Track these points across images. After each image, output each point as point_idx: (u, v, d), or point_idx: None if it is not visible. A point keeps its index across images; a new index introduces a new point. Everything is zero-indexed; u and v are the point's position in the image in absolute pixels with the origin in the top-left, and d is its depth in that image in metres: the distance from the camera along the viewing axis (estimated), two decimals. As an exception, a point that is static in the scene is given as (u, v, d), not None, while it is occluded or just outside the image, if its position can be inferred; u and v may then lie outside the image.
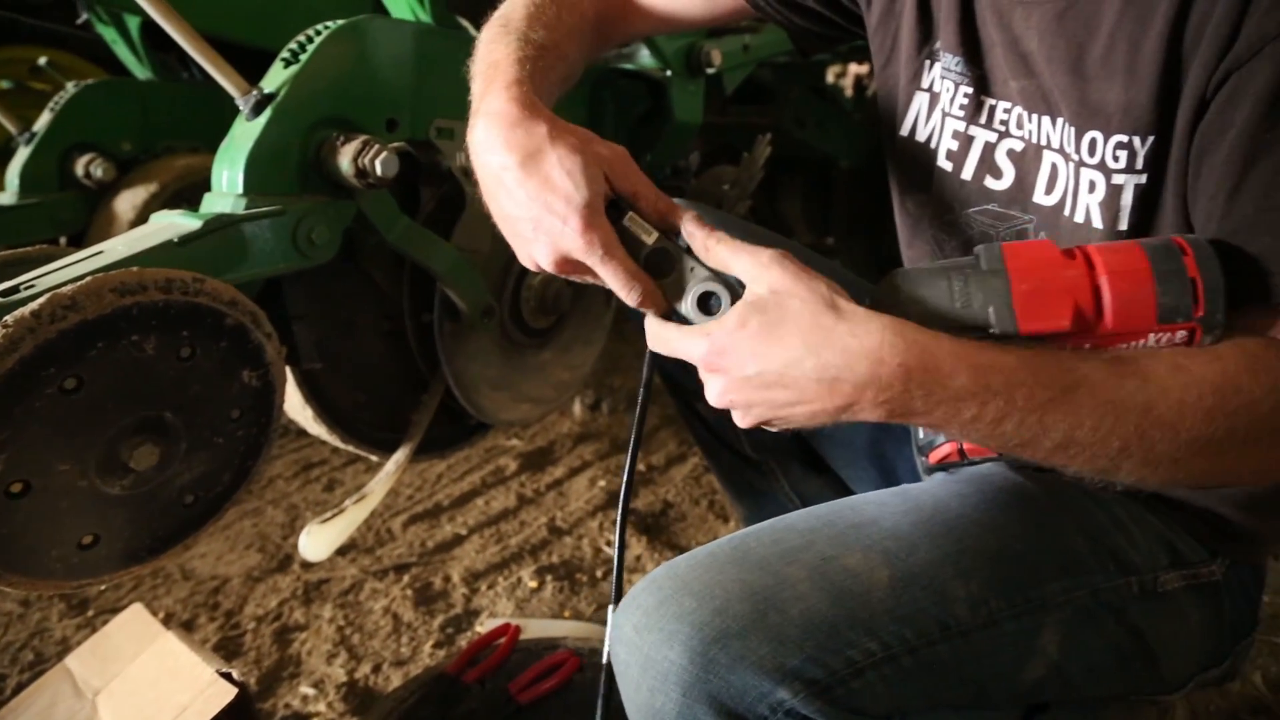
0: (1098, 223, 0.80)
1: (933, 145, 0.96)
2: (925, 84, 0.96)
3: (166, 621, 1.49)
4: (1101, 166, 0.78)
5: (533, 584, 1.73)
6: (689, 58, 1.58)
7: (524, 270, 1.36)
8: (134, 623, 1.29)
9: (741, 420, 0.71)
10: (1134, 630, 0.81)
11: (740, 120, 2.43)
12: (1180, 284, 0.65)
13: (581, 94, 1.55)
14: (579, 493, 2.09)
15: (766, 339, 0.66)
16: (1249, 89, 0.67)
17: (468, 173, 1.22)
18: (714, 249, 0.72)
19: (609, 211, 0.74)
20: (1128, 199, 0.78)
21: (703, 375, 0.71)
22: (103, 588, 1.69)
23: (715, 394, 0.70)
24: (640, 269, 0.74)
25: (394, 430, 1.36)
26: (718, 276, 0.72)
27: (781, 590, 0.69)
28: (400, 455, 1.33)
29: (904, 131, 0.99)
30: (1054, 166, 0.84)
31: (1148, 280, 0.66)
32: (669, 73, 1.55)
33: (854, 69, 3.14)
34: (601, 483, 2.12)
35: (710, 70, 1.62)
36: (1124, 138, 0.76)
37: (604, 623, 1.57)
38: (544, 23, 0.91)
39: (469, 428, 1.49)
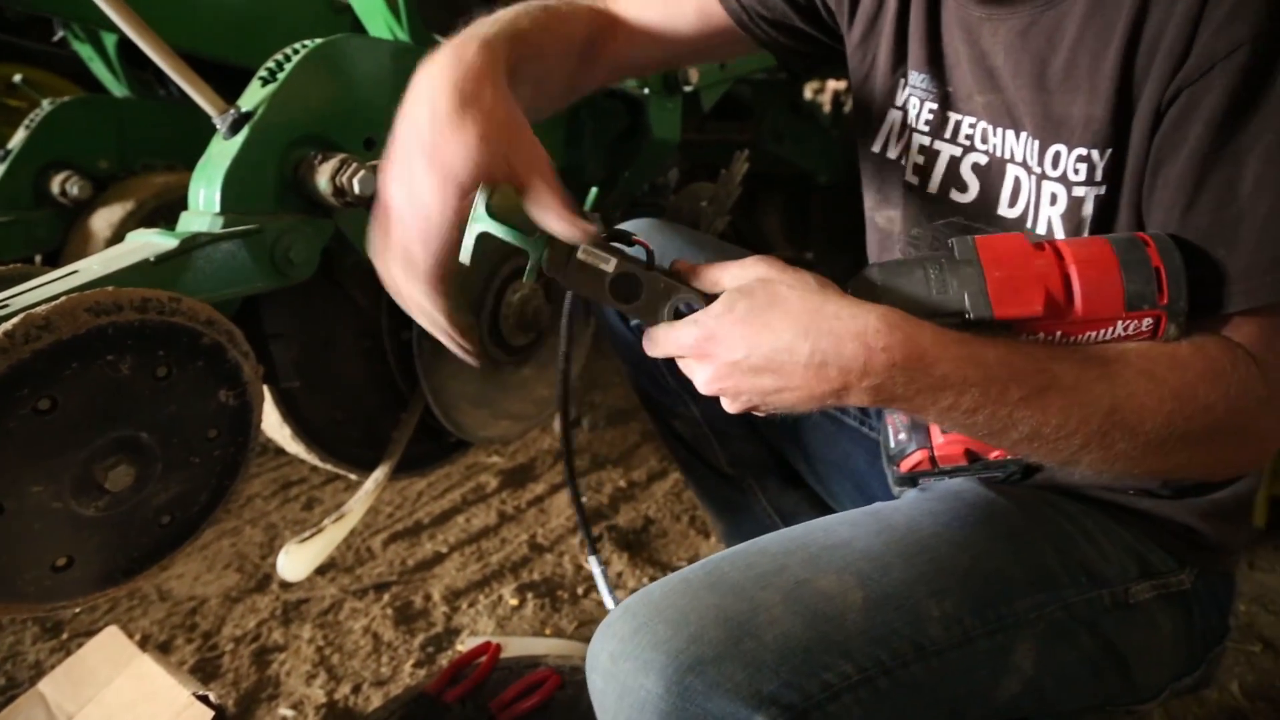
0: (1060, 234, 0.82)
1: (902, 161, 0.98)
2: (899, 102, 0.98)
3: (143, 643, 1.48)
4: (1063, 179, 0.80)
5: (514, 602, 1.72)
6: (666, 75, 1.59)
7: (503, 287, 1.36)
8: (109, 645, 1.27)
9: (730, 406, 0.73)
10: (1107, 642, 0.81)
11: (718, 137, 2.44)
12: (1145, 272, 0.69)
13: (560, 113, 1.55)
14: (560, 509, 2.08)
15: (755, 323, 0.67)
16: (1200, 107, 0.69)
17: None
18: (703, 274, 0.73)
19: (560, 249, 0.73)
20: (1089, 210, 0.80)
21: (690, 365, 0.72)
22: (77, 610, 1.67)
23: (703, 380, 0.71)
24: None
25: (373, 448, 1.35)
26: (691, 288, 0.73)
27: (756, 615, 0.69)
28: (379, 473, 1.33)
29: (876, 148, 1.01)
30: (1017, 180, 0.86)
31: (1114, 268, 0.69)
32: (647, 90, 1.56)
33: (832, 85, 3.17)
34: (583, 499, 2.12)
35: (688, 88, 1.63)
36: (1084, 150, 0.78)
37: (585, 640, 1.56)
38: (531, 17, 0.90)
39: (449, 445, 1.48)
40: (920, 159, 0.95)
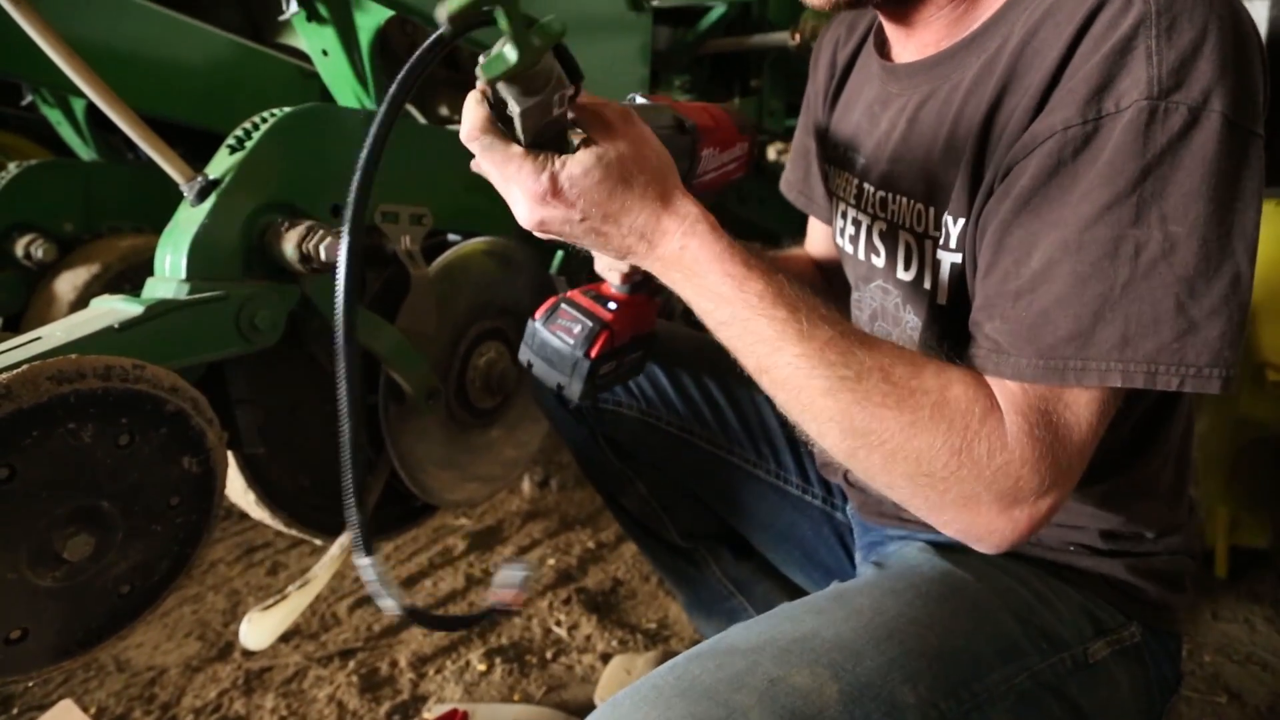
0: (941, 299, 0.88)
1: (844, 233, 1.05)
2: (834, 177, 1.07)
3: (98, 717, 1.44)
4: (938, 243, 0.86)
5: (481, 667, 1.70)
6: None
7: (469, 351, 1.37)
8: None
9: (533, 230, 0.77)
10: (1073, 706, 0.81)
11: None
12: (746, 117, 1.01)
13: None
14: (528, 571, 2.07)
15: (603, 200, 0.72)
16: (1017, 183, 0.73)
17: (412, 255, 1.24)
18: (591, 104, 0.75)
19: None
20: (944, 275, 0.85)
21: (521, 199, 0.74)
22: (30, 684, 1.62)
23: (528, 219, 0.74)
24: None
25: (339, 513, 1.34)
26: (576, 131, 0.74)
27: None
28: (345, 538, 1.31)
29: (834, 223, 1.07)
30: (908, 244, 0.92)
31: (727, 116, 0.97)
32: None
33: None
34: (551, 561, 2.10)
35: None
36: (949, 217, 0.83)
37: (555, 705, 1.54)
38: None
39: (415, 509, 1.47)
40: (852, 229, 1.02)
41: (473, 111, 0.72)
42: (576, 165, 0.71)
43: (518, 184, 0.72)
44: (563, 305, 0.88)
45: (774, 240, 2.80)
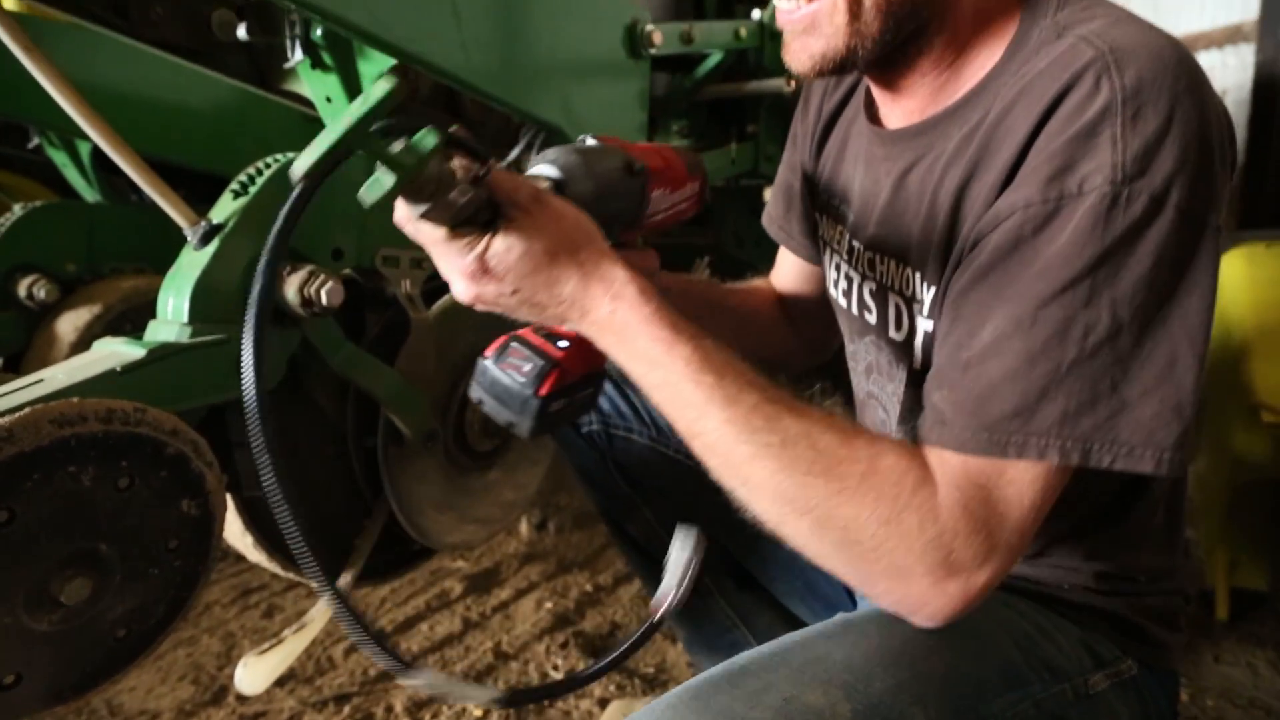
0: (916, 364, 0.89)
1: (837, 285, 1.06)
2: (827, 230, 1.09)
3: (90, 762, 1.42)
4: (922, 308, 0.88)
5: (478, 713, 1.68)
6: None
7: (468, 394, 1.38)
8: (55, 765, 1.23)
9: (471, 305, 0.79)
10: None
11: (680, 241, 2.50)
12: (694, 157, 0.99)
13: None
14: (525, 615, 2.05)
15: (532, 273, 0.74)
16: (976, 257, 0.75)
17: (412, 299, 1.25)
18: (507, 182, 0.76)
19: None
20: (919, 341, 0.88)
21: (454, 276, 0.76)
22: (23, 727, 1.60)
23: (464, 295, 0.77)
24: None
25: (336, 556, 1.34)
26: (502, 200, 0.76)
27: None
28: (342, 582, 1.31)
29: (826, 271, 1.09)
30: (898, 306, 0.93)
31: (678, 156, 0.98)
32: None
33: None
34: (549, 604, 2.09)
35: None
36: (925, 284, 0.86)
37: (550, 751, 1.52)
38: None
39: (413, 551, 1.47)
40: (845, 283, 1.04)
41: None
42: (500, 242, 0.74)
43: (448, 263, 0.76)
44: (513, 344, 0.89)
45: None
